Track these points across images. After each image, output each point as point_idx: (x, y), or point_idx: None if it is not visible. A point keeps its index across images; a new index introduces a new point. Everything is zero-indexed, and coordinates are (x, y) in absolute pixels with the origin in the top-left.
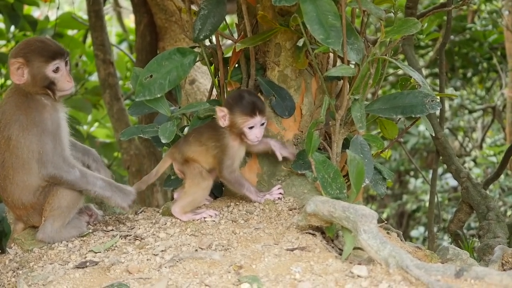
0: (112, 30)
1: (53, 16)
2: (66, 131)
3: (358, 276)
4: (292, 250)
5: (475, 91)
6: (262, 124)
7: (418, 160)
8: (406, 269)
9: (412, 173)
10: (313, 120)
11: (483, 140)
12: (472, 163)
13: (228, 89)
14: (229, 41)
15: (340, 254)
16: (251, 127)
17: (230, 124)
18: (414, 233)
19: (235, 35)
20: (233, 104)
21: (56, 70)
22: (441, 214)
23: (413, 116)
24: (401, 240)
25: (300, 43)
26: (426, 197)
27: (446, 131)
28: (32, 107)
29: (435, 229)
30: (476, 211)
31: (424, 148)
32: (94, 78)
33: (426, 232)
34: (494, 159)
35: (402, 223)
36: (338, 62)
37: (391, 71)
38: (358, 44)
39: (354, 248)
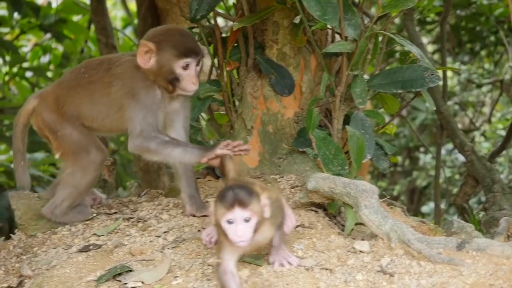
0: (117, 14)
1: (55, 2)
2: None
3: (360, 251)
4: (294, 227)
5: (482, 65)
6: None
7: (427, 136)
8: (408, 243)
9: (422, 149)
10: (312, 97)
11: (491, 114)
12: (482, 138)
13: (227, 68)
14: (230, 22)
15: (343, 230)
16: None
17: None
18: (425, 209)
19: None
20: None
21: (186, 67)
22: (451, 189)
23: (413, 90)
24: (405, 215)
25: (297, 20)
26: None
27: (456, 106)
28: (145, 85)
29: (445, 204)
30: (481, 184)
31: (433, 124)
32: None
33: None
34: (503, 132)
35: (413, 199)
36: (337, 38)
37: (398, 48)
38: (356, 19)
39: (357, 224)
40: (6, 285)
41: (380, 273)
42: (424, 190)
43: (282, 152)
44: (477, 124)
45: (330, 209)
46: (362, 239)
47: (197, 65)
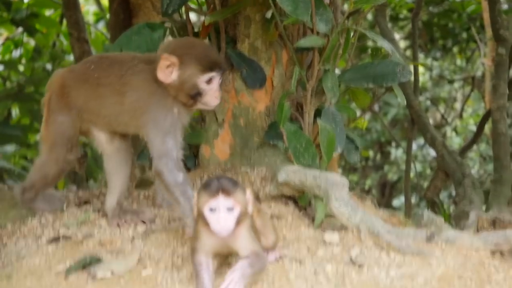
0: (90, 9)
1: None
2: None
3: (330, 242)
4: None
5: (454, 62)
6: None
7: (399, 131)
8: (378, 235)
9: (393, 143)
10: (284, 91)
11: (463, 109)
12: (453, 133)
13: None
14: (202, 17)
15: (313, 222)
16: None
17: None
18: (396, 202)
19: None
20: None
21: (209, 82)
22: (422, 183)
23: (385, 85)
24: (375, 207)
25: (269, 15)
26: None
27: (427, 101)
28: (164, 103)
29: (415, 198)
30: (451, 178)
31: (405, 119)
32: (72, 57)
33: None
34: (474, 128)
35: (385, 193)
36: (309, 33)
37: (370, 43)
38: (327, 14)
39: (327, 216)
40: None
41: (349, 264)
42: (395, 184)
43: (253, 145)
44: (449, 120)
45: (301, 201)
46: (332, 231)
47: (220, 78)
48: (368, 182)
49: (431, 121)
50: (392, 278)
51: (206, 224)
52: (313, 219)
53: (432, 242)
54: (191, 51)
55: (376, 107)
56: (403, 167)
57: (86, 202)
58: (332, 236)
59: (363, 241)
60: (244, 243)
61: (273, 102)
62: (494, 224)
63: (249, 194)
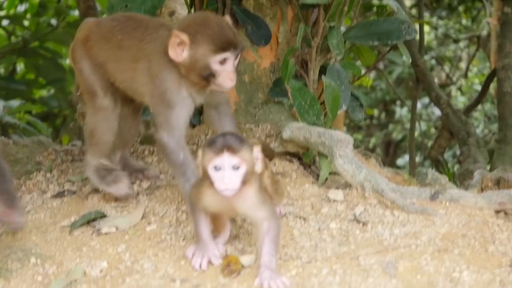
0: None
1: None
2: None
3: (334, 200)
4: None
5: (460, 21)
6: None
7: (404, 90)
8: (382, 193)
9: (398, 102)
10: (289, 48)
11: (468, 69)
12: (458, 92)
13: None
14: None
15: (317, 180)
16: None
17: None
18: (400, 161)
19: None
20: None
21: (223, 62)
22: (426, 142)
23: (390, 43)
24: (380, 166)
25: None
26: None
27: (432, 60)
28: (174, 78)
29: (420, 158)
30: (456, 137)
31: (410, 78)
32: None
33: None
34: (479, 87)
35: (389, 152)
36: None
37: (375, 1)
38: None
39: (331, 173)
40: None
41: (353, 222)
42: (400, 143)
43: (257, 101)
44: (454, 79)
45: (305, 158)
46: (336, 189)
47: (236, 59)
48: (373, 141)
49: (436, 80)
50: (396, 236)
51: (211, 182)
52: (317, 177)
53: (436, 200)
54: (204, 29)
55: (381, 65)
56: (408, 126)
57: None
58: (336, 194)
59: (367, 199)
60: (254, 206)
61: (278, 59)
62: (499, 183)
63: (257, 152)
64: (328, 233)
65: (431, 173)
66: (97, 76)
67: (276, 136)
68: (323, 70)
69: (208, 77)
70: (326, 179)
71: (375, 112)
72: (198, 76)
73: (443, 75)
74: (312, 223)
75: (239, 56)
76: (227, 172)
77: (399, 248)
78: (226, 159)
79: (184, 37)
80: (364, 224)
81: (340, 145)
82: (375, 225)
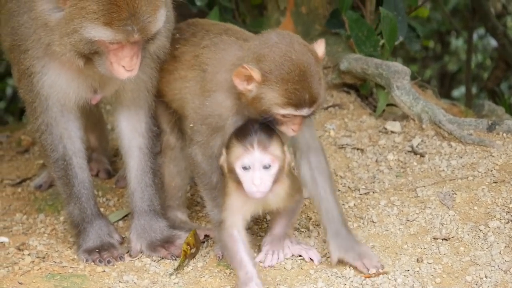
0: None
1: None
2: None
3: (392, 131)
4: (326, 108)
5: None
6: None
7: (460, 21)
8: (439, 124)
9: (454, 33)
10: None
11: None
12: None
13: None
14: None
15: (374, 111)
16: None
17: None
18: (455, 93)
19: None
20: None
21: (288, 116)
22: (482, 74)
23: None
24: (436, 97)
25: None
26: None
27: None
28: (228, 105)
29: (475, 89)
30: None
31: (466, 8)
32: None
33: None
34: None
35: (444, 84)
36: None
37: None
38: None
39: (388, 105)
40: None
41: (411, 153)
42: (455, 75)
43: (314, 33)
44: (510, 9)
45: (362, 90)
46: (394, 120)
47: (306, 117)
48: (428, 73)
49: (492, 10)
50: (453, 168)
51: (239, 183)
52: (374, 108)
53: (493, 132)
54: (281, 75)
55: None
56: (463, 57)
57: None
58: (393, 125)
59: (424, 130)
60: (285, 199)
61: None
62: None
63: (286, 147)
64: (385, 164)
65: (488, 104)
66: (161, 107)
67: (334, 68)
68: (380, 1)
69: (267, 119)
70: (384, 110)
71: (431, 43)
72: (258, 115)
73: (499, 5)
74: (369, 154)
75: (311, 115)
76: (257, 172)
77: (456, 179)
78: (257, 157)
79: (256, 75)
80: (422, 155)
81: (397, 76)
82: (433, 156)
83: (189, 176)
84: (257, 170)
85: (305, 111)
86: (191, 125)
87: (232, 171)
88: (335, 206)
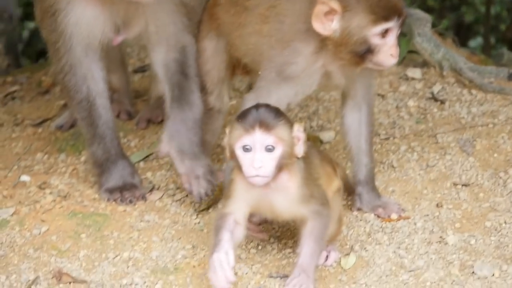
0: None
1: None
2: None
3: (412, 78)
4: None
5: None
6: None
7: None
8: (460, 72)
9: None
10: None
11: None
12: None
13: None
14: None
15: None
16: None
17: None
18: (472, 43)
19: None
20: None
21: (384, 34)
22: (499, 24)
23: None
24: (456, 46)
25: None
26: (484, 8)
27: None
28: (307, 51)
29: (493, 40)
30: None
31: None
32: None
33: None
34: None
35: (460, 34)
36: None
37: None
38: None
39: (410, 52)
40: None
41: (431, 100)
42: (471, 26)
43: None
44: None
45: None
46: (414, 67)
47: (399, 29)
48: (445, 23)
49: None
50: (474, 115)
51: (239, 168)
52: None
53: None
54: None
55: None
56: (480, 8)
57: None
58: (414, 72)
59: (445, 77)
60: (296, 202)
61: None
62: None
63: (298, 131)
64: (406, 110)
65: (507, 53)
66: (217, 60)
67: None
68: None
69: (365, 53)
70: (405, 57)
71: None
72: (351, 53)
73: None
74: (390, 100)
75: (402, 25)
76: (258, 153)
77: (477, 127)
78: (258, 137)
79: (335, 5)
80: (442, 102)
81: (419, 24)
82: (453, 103)
83: (219, 134)
84: (258, 151)
85: (396, 21)
86: (260, 72)
87: (233, 154)
88: (370, 162)
